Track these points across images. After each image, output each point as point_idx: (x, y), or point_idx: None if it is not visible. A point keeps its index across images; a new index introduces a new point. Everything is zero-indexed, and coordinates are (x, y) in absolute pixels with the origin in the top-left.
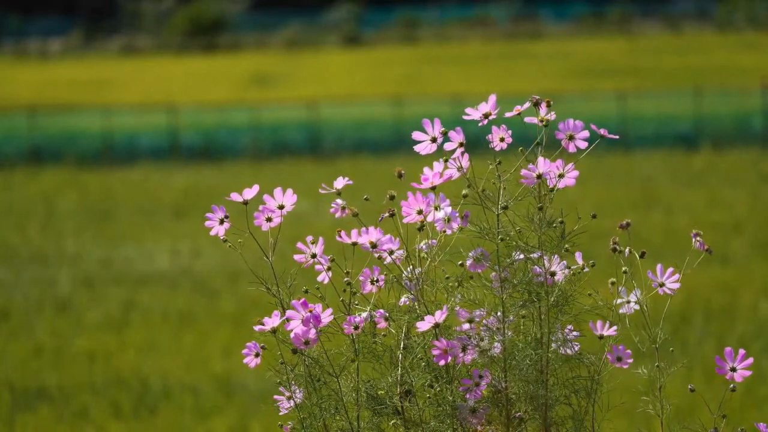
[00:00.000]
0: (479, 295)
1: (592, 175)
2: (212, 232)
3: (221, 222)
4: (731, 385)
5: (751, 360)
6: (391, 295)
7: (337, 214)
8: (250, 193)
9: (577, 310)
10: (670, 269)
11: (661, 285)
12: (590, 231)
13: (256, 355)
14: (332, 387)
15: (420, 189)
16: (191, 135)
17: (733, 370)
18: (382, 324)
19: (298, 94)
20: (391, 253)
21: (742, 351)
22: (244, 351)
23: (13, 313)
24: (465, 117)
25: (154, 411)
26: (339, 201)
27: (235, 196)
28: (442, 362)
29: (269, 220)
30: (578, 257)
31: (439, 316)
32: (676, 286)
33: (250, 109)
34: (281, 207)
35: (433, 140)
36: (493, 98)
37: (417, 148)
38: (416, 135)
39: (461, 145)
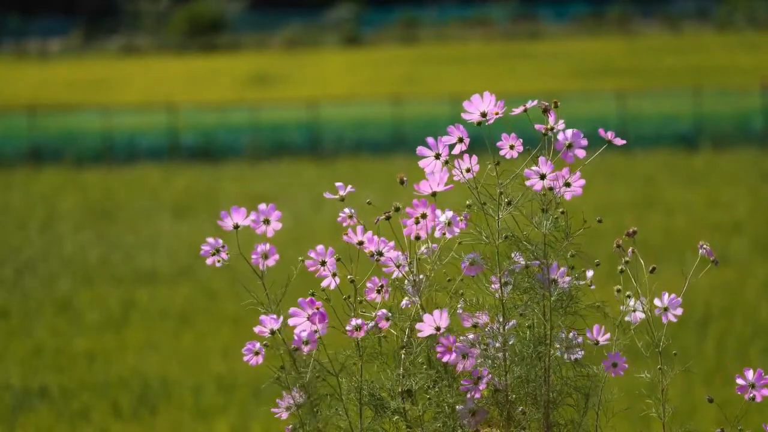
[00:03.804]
0: (480, 298)
1: (592, 175)
2: (208, 262)
3: (215, 252)
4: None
5: None
6: (395, 298)
7: (345, 223)
8: (239, 217)
9: (580, 308)
10: (673, 296)
11: (666, 310)
12: (590, 232)
13: (256, 354)
14: (333, 386)
15: (421, 195)
16: (191, 135)
17: (753, 386)
18: (383, 324)
19: (297, 94)
20: (398, 266)
21: (760, 370)
22: (245, 349)
23: (13, 313)
24: (464, 115)
25: (154, 411)
26: (347, 210)
27: (227, 222)
28: (445, 358)
29: (266, 257)
30: (588, 276)
31: (440, 319)
32: (680, 312)
33: (249, 109)
34: (266, 221)
35: (437, 156)
36: (488, 95)
37: (421, 163)
38: (421, 150)
39: (461, 140)
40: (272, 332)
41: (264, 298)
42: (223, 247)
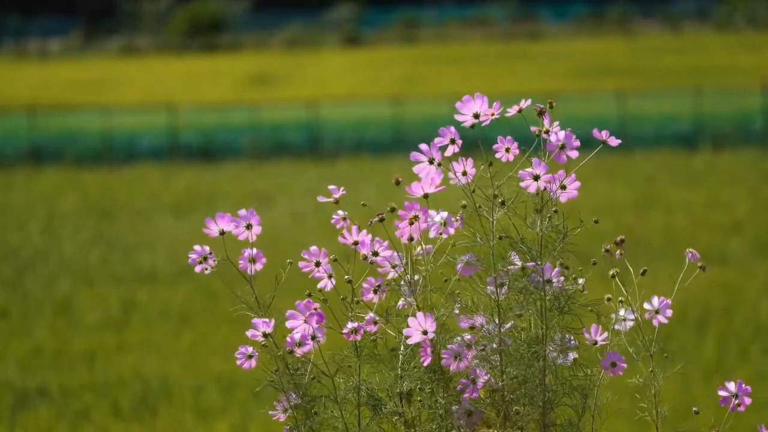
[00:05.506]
0: (475, 299)
1: (592, 175)
2: (197, 269)
3: (203, 259)
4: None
5: (749, 389)
6: (391, 298)
7: (338, 225)
8: (223, 223)
9: (573, 308)
10: (663, 299)
11: (657, 312)
12: (589, 232)
13: (249, 357)
14: (329, 388)
15: (412, 198)
16: (191, 135)
17: (736, 396)
18: (371, 328)
19: (298, 94)
20: (394, 266)
21: (740, 381)
22: (237, 353)
23: (13, 313)
24: (457, 117)
25: (154, 411)
26: (340, 212)
27: (212, 228)
28: (427, 362)
29: (253, 261)
30: (580, 282)
31: (427, 324)
32: (669, 313)
33: (250, 109)
34: (248, 227)
35: (431, 161)
36: (479, 96)
37: (416, 169)
38: (415, 156)
39: (453, 142)
40: (265, 335)
41: (254, 302)
42: (210, 254)
